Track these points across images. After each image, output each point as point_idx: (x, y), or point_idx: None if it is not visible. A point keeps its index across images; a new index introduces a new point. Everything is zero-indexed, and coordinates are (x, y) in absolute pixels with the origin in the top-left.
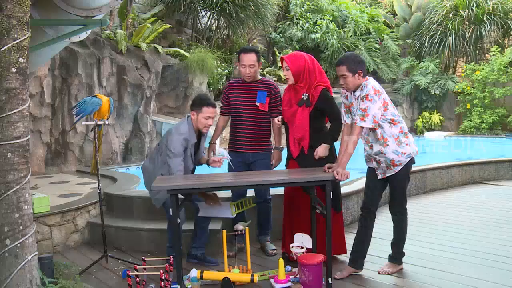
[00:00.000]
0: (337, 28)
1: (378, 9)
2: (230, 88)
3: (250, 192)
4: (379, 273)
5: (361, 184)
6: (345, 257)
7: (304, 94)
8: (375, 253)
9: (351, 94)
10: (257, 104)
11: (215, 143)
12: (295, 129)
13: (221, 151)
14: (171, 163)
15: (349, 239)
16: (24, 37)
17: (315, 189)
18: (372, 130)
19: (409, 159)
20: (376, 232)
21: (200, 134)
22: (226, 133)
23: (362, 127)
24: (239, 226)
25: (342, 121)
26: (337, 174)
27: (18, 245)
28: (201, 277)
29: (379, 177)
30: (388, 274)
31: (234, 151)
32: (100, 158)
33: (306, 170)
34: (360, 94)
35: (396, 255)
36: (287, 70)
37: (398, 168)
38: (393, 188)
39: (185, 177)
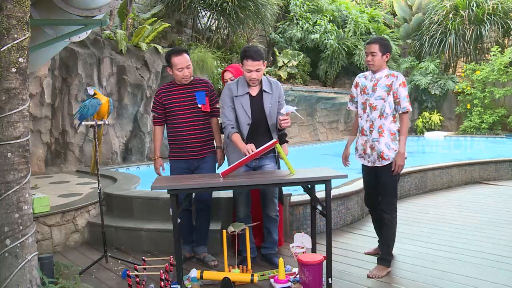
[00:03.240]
0: (336, 28)
1: (378, 9)
2: (163, 93)
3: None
4: (368, 277)
5: (361, 184)
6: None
7: None
8: None
9: (365, 79)
10: (199, 105)
11: (159, 158)
12: None
13: (286, 107)
14: (221, 116)
15: (350, 239)
16: (24, 37)
17: (314, 189)
18: (380, 117)
19: None
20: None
21: (261, 95)
22: None
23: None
24: (231, 228)
25: (351, 108)
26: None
27: (18, 245)
28: (201, 277)
29: (369, 165)
30: (378, 278)
31: (178, 160)
32: (99, 158)
33: (306, 169)
34: (392, 80)
35: (386, 256)
36: (232, 80)
37: (385, 163)
38: (383, 185)
39: (184, 177)
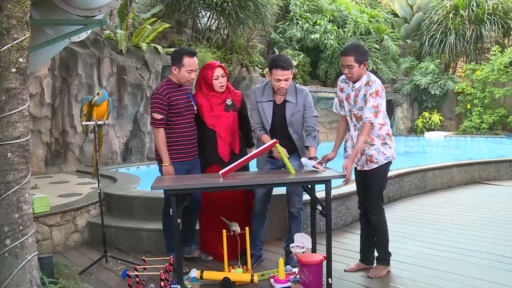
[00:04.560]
0: (336, 28)
1: (378, 9)
2: (170, 92)
3: None
4: (369, 277)
5: None
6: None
7: (228, 99)
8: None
9: (348, 85)
10: (195, 108)
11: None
12: (227, 133)
13: (307, 163)
14: (250, 119)
15: (350, 239)
16: (24, 37)
17: (314, 189)
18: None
19: (386, 161)
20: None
21: (284, 103)
22: None
23: (373, 124)
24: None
25: (335, 111)
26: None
27: (18, 245)
28: (201, 277)
29: (358, 168)
30: (378, 277)
31: (182, 161)
32: (100, 159)
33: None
34: (367, 90)
35: (384, 256)
36: (223, 77)
37: (374, 166)
38: (369, 187)
39: (184, 177)
